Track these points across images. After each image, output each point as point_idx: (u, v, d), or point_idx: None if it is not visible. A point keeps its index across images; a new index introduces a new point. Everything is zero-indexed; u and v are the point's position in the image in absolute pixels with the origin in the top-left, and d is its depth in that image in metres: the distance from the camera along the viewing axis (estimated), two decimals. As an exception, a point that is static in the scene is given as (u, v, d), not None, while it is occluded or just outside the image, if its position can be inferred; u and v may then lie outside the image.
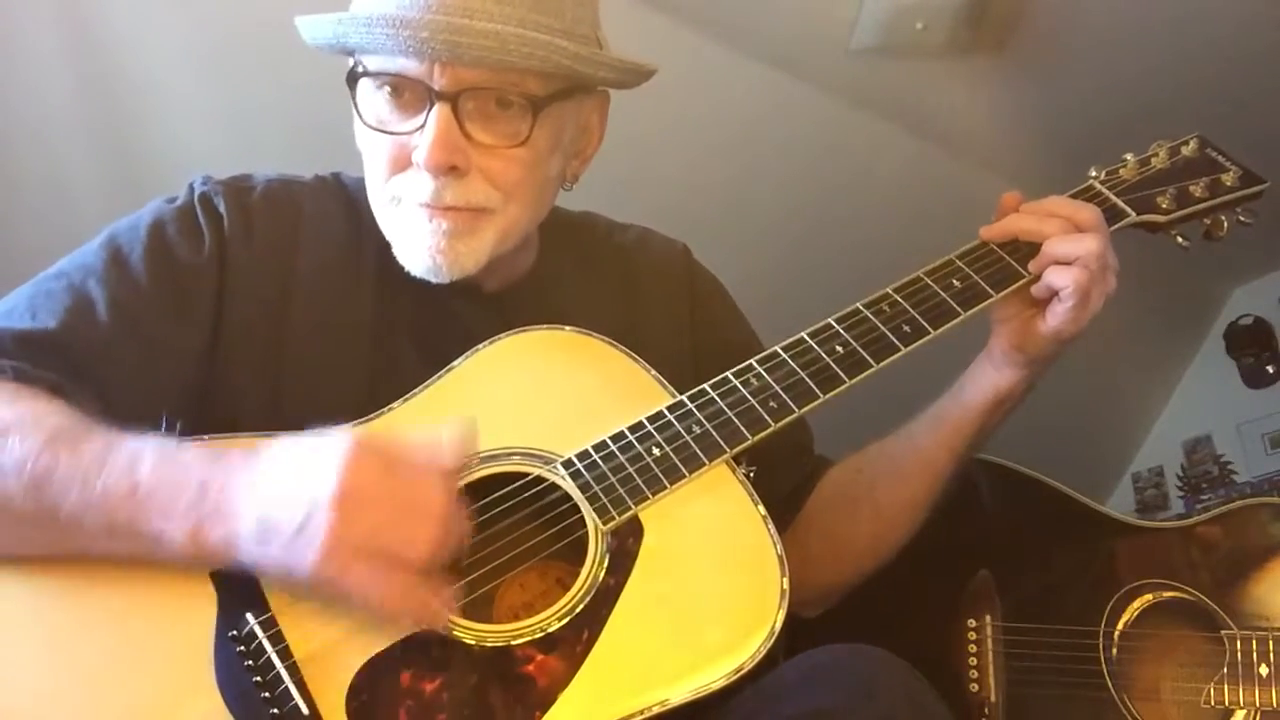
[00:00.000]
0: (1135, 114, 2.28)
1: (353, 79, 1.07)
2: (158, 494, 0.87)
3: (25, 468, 0.88)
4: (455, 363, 1.08)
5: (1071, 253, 1.10)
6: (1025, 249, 1.15)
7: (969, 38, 2.21)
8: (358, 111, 1.08)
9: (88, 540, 0.89)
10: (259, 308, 1.12)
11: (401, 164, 1.07)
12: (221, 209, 1.13)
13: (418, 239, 1.07)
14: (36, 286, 1.07)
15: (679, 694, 0.88)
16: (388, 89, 1.05)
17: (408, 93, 1.05)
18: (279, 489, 0.86)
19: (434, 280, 1.08)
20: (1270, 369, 3.07)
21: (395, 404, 1.06)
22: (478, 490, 1.00)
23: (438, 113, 1.02)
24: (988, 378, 1.18)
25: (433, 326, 1.14)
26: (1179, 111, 2.25)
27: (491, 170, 1.06)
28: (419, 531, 0.85)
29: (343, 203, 1.20)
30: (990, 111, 2.41)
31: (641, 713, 0.87)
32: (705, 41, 2.21)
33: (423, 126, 1.03)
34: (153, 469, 0.88)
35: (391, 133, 1.06)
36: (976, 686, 1.44)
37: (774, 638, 0.89)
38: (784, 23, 2.19)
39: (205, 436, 1.03)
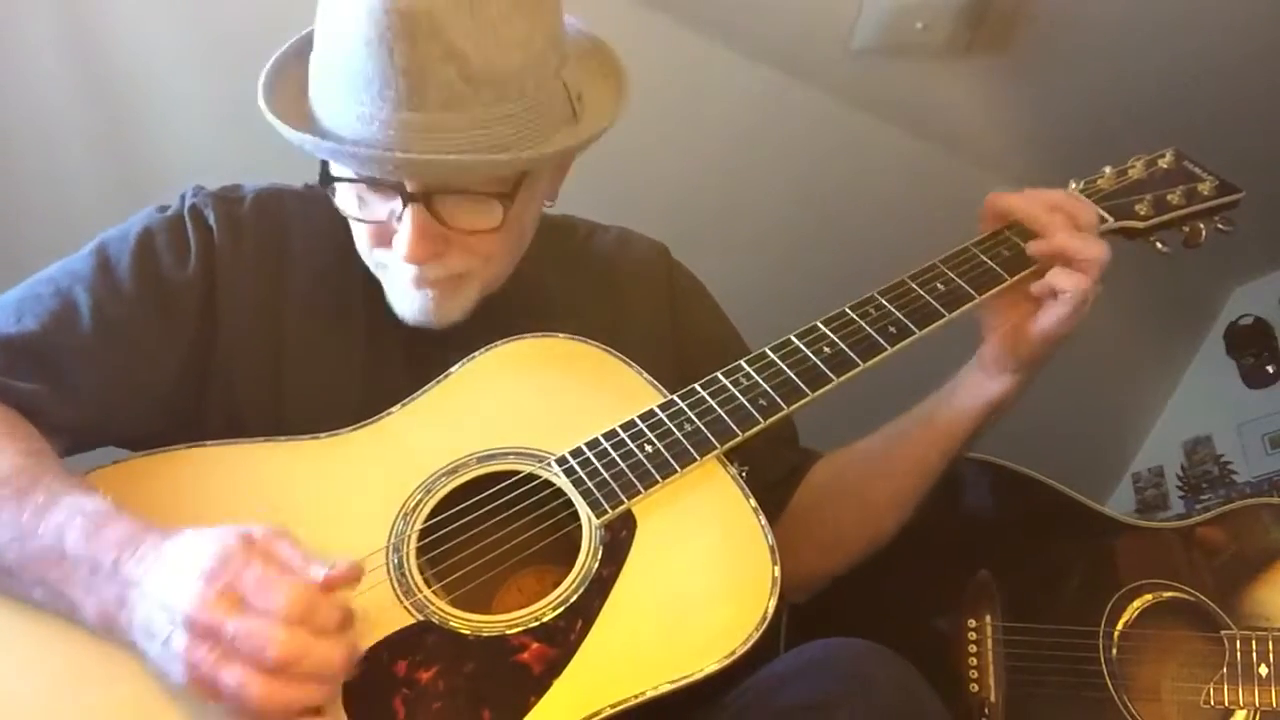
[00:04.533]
0: (1134, 114, 2.29)
1: (325, 181, 1.07)
2: (80, 567, 0.87)
3: None
4: (452, 369, 1.10)
5: (1083, 253, 1.10)
6: (1007, 253, 1.15)
7: (969, 38, 2.22)
8: (336, 203, 1.08)
9: (24, 590, 0.89)
10: (253, 316, 1.13)
11: (383, 240, 1.08)
12: (211, 221, 1.15)
13: (407, 301, 1.10)
14: (25, 290, 1.09)
15: (672, 680, 0.88)
16: (362, 184, 1.05)
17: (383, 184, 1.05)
18: (158, 594, 0.83)
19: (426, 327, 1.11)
20: (1270, 369, 3.06)
21: (394, 409, 1.08)
22: (472, 489, 1.01)
23: (412, 213, 1.03)
24: (982, 386, 1.18)
25: (423, 331, 1.14)
26: (1178, 111, 2.27)
27: (470, 244, 1.07)
28: (269, 638, 0.79)
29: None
30: (990, 111, 2.41)
31: (635, 698, 0.87)
32: (705, 41, 2.21)
33: (400, 217, 1.04)
34: (77, 539, 0.87)
35: (370, 221, 1.07)
36: (976, 686, 1.44)
37: (766, 624, 0.90)
38: (784, 23, 2.19)
39: (208, 443, 1.05)
